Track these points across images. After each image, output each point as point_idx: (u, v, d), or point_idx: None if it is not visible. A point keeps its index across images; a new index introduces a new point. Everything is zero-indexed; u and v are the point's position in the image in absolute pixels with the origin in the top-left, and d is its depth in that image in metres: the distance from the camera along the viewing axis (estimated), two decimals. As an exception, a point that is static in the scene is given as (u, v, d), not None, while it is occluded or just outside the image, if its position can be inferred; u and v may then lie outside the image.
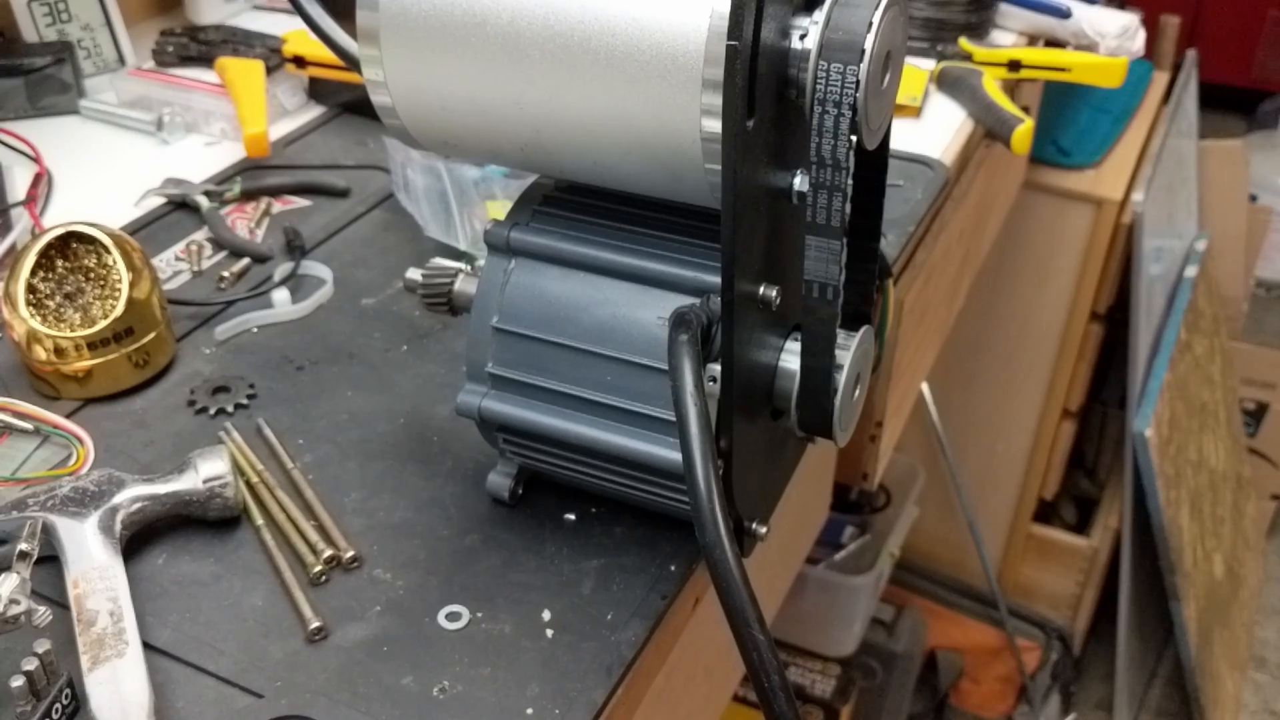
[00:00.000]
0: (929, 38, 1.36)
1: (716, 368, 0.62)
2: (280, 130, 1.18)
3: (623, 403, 0.67)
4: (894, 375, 1.32)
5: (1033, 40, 1.42)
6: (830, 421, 0.68)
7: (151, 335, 0.85)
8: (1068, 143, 1.95)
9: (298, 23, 0.74)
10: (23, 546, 0.66)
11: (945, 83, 1.28)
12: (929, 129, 1.23)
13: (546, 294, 0.68)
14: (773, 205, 0.63)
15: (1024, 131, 1.16)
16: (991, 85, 1.23)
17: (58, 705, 0.61)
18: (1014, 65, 1.28)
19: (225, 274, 0.96)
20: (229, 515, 0.74)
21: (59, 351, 0.82)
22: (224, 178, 1.10)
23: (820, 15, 0.58)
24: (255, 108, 1.11)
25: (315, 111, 1.23)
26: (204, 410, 0.83)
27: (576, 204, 0.70)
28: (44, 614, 0.64)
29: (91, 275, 0.84)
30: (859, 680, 2.07)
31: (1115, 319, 2.05)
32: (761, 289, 0.63)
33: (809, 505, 1.28)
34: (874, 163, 0.69)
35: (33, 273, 0.82)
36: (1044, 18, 1.36)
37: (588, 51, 0.58)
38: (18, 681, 0.60)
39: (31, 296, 0.82)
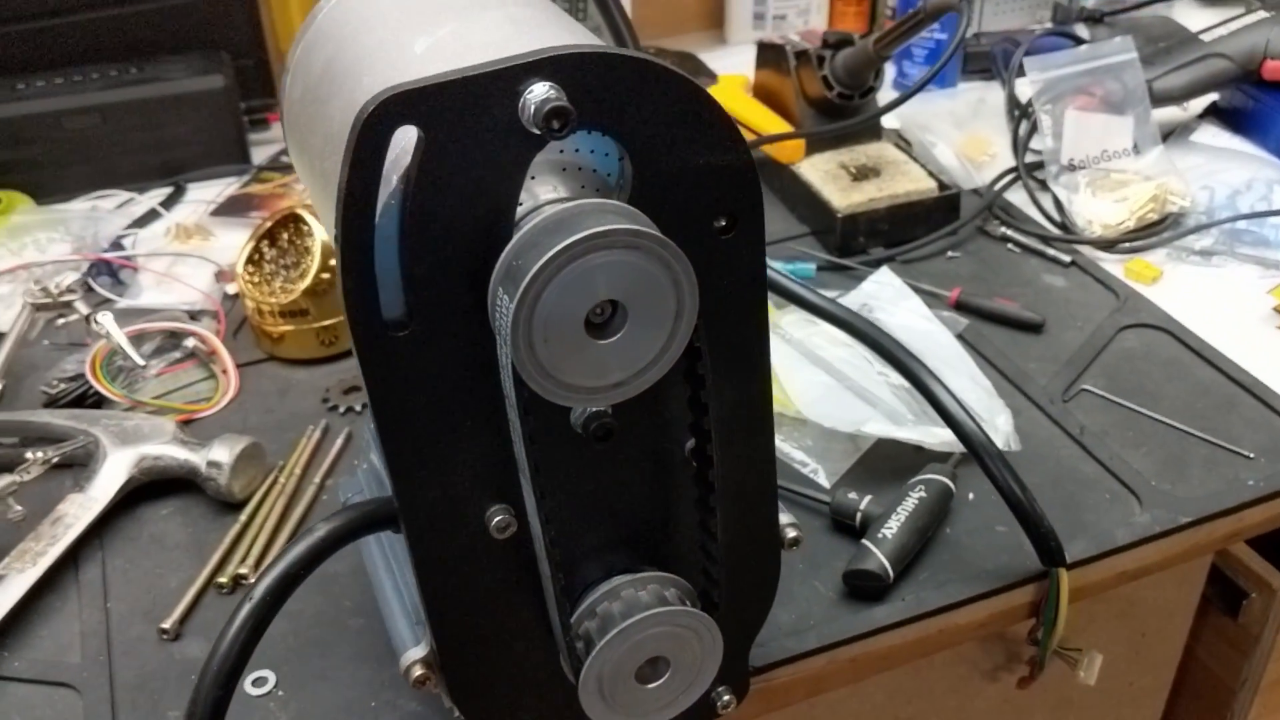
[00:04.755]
0: None
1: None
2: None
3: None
4: (1268, 682, 0.99)
5: None
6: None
7: (339, 318, 0.94)
8: None
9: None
10: (42, 453, 0.80)
11: None
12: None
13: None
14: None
15: None
16: None
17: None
18: None
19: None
20: (222, 499, 0.81)
21: (260, 312, 0.94)
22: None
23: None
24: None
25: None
26: (326, 401, 0.91)
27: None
28: (19, 512, 0.78)
29: (307, 253, 0.95)
30: None
31: None
32: (490, 510, 0.54)
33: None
34: (700, 430, 0.54)
35: (264, 238, 0.95)
36: None
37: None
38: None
39: (257, 256, 0.95)
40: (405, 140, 0.46)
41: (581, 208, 0.47)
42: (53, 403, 0.89)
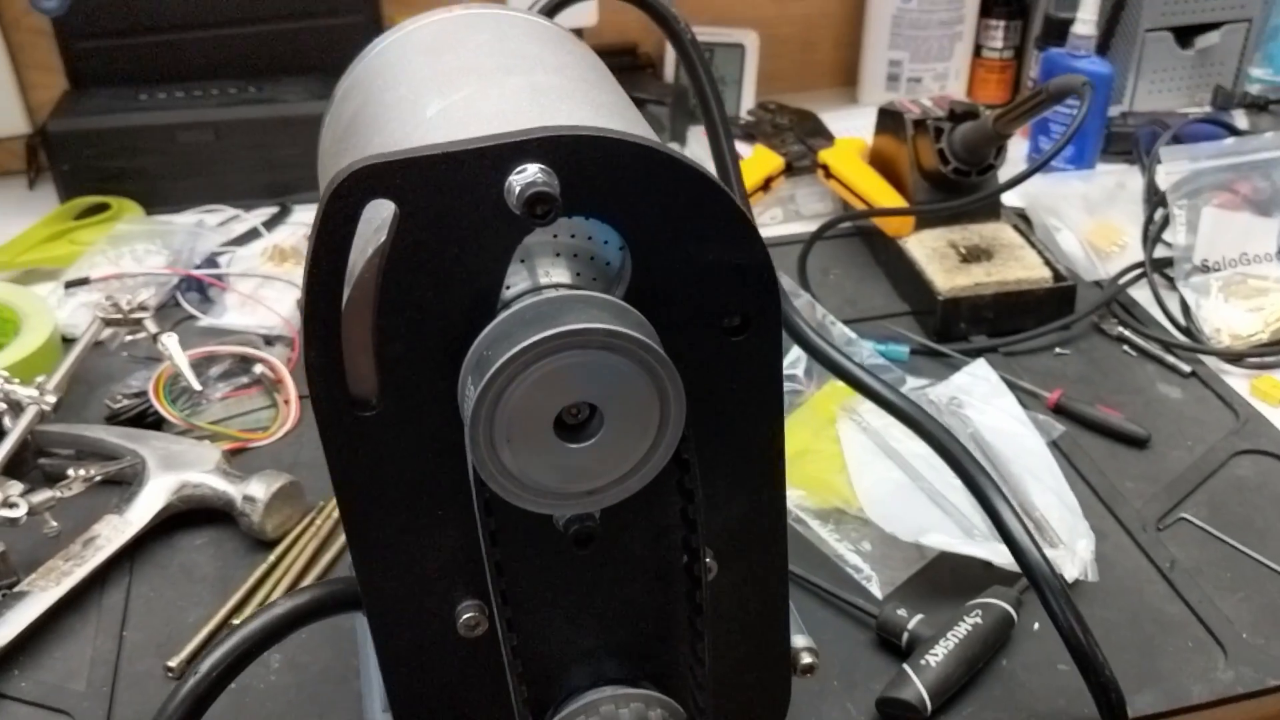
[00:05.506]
0: None
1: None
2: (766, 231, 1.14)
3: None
4: None
5: None
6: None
7: (405, 362, 0.92)
8: None
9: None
10: (84, 471, 0.80)
11: None
12: None
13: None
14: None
15: None
16: None
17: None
18: None
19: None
20: (254, 536, 0.80)
21: (328, 342, 0.93)
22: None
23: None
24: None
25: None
26: (379, 444, 0.89)
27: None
28: (54, 528, 0.78)
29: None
30: None
31: None
32: (460, 605, 0.50)
33: None
34: (690, 548, 0.49)
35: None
36: None
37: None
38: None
39: (331, 290, 0.94)
40: (386, 212, 0.43)
41: (564, 300, 0.43)
42: (114, 417, 0.90)
